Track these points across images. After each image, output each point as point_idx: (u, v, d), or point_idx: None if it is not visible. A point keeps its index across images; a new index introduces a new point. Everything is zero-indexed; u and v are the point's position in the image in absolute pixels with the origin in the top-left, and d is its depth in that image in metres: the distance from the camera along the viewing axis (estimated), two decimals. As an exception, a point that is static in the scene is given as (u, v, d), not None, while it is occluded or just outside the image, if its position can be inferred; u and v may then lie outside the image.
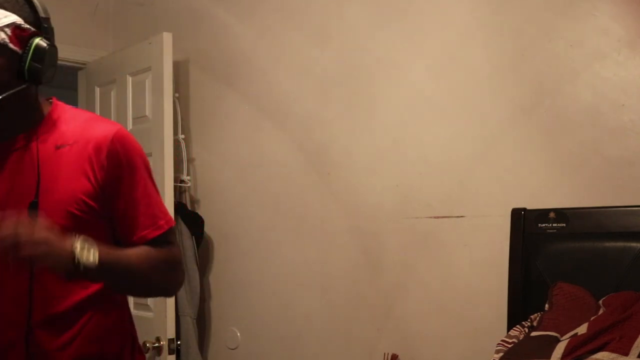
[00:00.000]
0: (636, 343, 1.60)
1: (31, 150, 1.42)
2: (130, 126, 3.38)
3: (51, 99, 1.53)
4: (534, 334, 1.84)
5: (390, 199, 2.66)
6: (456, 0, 2.51)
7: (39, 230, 1.21)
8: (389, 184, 2.66)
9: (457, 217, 2.47)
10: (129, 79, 3.39)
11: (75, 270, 1.26)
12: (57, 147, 1.42)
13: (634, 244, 1.99)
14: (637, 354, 1.58)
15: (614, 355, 1.59)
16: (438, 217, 2.51)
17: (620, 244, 2.03)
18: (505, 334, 1.98)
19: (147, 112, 3.26)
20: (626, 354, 1.58)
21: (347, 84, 2.80)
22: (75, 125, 1.46)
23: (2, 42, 1.34)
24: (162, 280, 1.50)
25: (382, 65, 2.69)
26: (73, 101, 4.02)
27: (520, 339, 1.88)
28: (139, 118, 3.31)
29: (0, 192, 1.41)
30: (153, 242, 1.48)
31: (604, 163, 2.16)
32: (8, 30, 1.35)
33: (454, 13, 2.50)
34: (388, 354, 2.52)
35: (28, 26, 1.38)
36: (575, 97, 2.22)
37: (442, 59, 2.53)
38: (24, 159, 1.41)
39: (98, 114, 3.62)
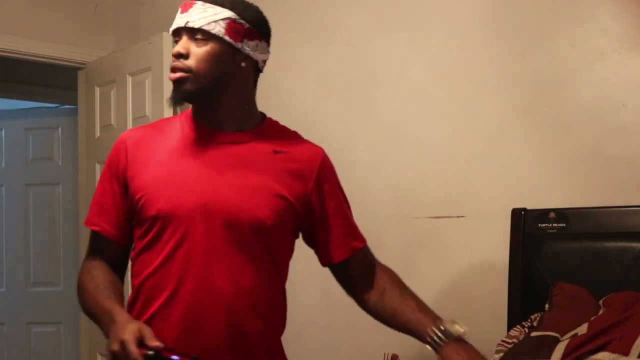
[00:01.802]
0: (636, 343, 1.60)
1: (252, 147, 1.54)
2: (130, 126, 3.38)
3: (263, 113, 1.67)
4: (534, 334, 1.84)
5: (390, 199, 2.65)
6: (456, 0, 2.51)
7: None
8: (389, 184, 2.65)
9: (457, 217, 2.46)
10: (129, 79, 3.39)
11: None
12: (275, 152, 1.56)
13: (634, 244, 1.99)
14: (637, 354, 1.58)
15: (614, 355, 1.59)
16: (438, 217, 2.51)
17: (620, 244, 2.03)
18: (505, 334, 1.98)
19: (147, 112, 3.25)
20: (626, 354, 1.58)
21: (347, 84, 2.79)
22: (288, 137, 1.62)
23: (217, 33, 1.46)
24: None
25: (382, 65, 2.69)
26: (73, 101, 4.03)
27: (520, 339, 1.88)
28: (139, 118, 3.31)
29: (220, 176, 1.50)
30: (361, 251, 1.64)
31: (604, 163, 2.16)
32: (223, 24, 1.46)
33: (454, 13, 2.50)
34: (388, 354, 2.52)
35: (243, 22, 1.49)
36: (576, 97, 2.22)
37: (442, 59, 2.53)
38: (244, 153, 1.53)
39: (98, 114, 3.62)
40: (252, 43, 1.52)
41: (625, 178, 2.12)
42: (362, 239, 1.65)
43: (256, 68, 1.58)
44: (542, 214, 2.16)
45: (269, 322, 1.54)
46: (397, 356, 2.50)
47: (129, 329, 1.32)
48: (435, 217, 2.52)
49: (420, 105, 2.58)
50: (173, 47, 1.54)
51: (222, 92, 1.51)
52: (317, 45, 2.89)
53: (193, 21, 1.47)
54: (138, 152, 1.55)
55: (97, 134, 3.65)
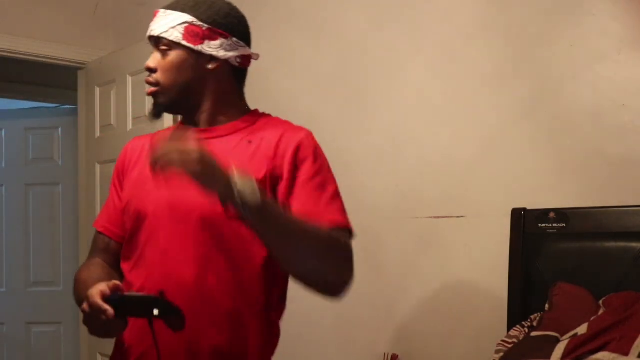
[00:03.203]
0: (636, 343, 1.60)
1: (226, 140, 1.54)
2: (130, 126, 3.38)
3: (255, 110, 1.66)
4: (534, 334, 1.84)
5: (390, 199, 2.65)
6: (457, 0, 2.51)
7: (201, 152, 1.27)
8: (389, 184, 2.65)
9: (457, 217, 2.46)
10: (129, 79, 3.39)
11: (233, 199, 1.28)
12: (249, 142, 1.55)
13: (634, 244, 1.99)
14: (637, 354, 1.58)
15: (614, 355, 1.59)
16: (438, 217, 2.51)
17: (620, 244, 2.03)
18: (505, 334, 1.98)
19: (147, 112, 3.25)
20: (626, 354, 1.58)
21: (347, 84, 2.80)
22: (269, 126, 1.59)
23: (175, 39, 1.49)
24: (324, 258, 1.41)
25: (382, 65, 2.69)
26: (73, 101, 4.03)
27: (520, 339, 1.88)
28: (139, 118, 3.31)
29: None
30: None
31: (604, 163, 2.16)
32: (181, 29, 1.49)
33: (454, 13, 2.50)
34: (388, 354, 2.52)
35: (201, 23, 1.50)
36: (576, 97, 2.22)
37: (442, 59, 2.53)
38: (216, 146, 1.48)
39: (98, 114, 3.62)
40: (214, 43, 1.51)
41: (625, 178, 2.12)
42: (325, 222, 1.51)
43: (232, 66, 1.56)
44: (542, 214, 2.16)
45: (245, 313, 1.51)
46: (397, 356, 2.50)
47: (96, 286, 1.36)
48: (435, 217, 2.52)
49: (420, 105, 2.58)
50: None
51: (195, 97, 1.55)
52: (316, 45, 2.90)
53: (154, 30, 1.52)
54: (133, 157, 1.63)
55: (97, 134, 3.65)
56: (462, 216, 2.46)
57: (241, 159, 1.48)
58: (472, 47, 2.45)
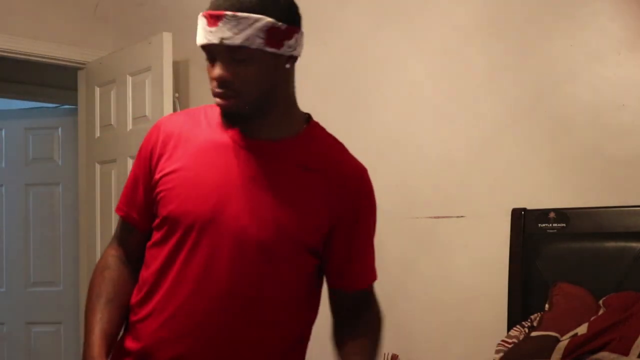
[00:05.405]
0: (636, 343, 1.60)
1: (284, 159, 1.41)
2: (130, 126, 3.38)
3: (308, 114, 1.52)
4: (534, 334, 1.84)
5: (390, 199, 2.65)
6: (456, 0, 2.51)
7: None
8: (389, 184, 2.65)
9: (457, 217, 2.46)
10: (129, 79, 3.39)
11: None
12: (305, 169, 1.42)
13: (634, 244, 1.99)
14: (637, 354, 1.58)
15: (614, 355, 1.60)
16: (438, 217, 2.51)
17: (620, 244, 2.03)
18: (505, 334, 1.99)
19: (147, 112, 3.25)
20: (626, 354, 1.59)
21: (347, 84, 2.80)
22: (328, 150, 1.47)
23: (259, 47, 1.31)
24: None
25: (382, 65, 2.69)
26: (73, 101, 4.03)
27: (520, 339, 1.88)
28: (139, 118, 3.31)
29: (245, 186, 1.39)
30: (360, 292, 1.50)
31: (604, 163, 2.16)
32: (262, 34, 1.31)
33: (454, 13, 2.51)
34: (388, 354, 2.52)
35: (280, 23, 1.33)
36: (575, 97, 2.22)
37: (442, 59, 2.53)
38: (273, 166, 1.41)
39: (98, 114, 3.62)
40: (291, 42, 1.36)
41: (625, 178, 2.12)
42: (365, 282, 1.50)
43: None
44: (542, 214, 2.16)
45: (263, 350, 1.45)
46: (397, 356, 2.50)
47: None
48: (435, 217, 2.52)
49: (420, 105, 2.58)
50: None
51: (270, 102, 1.38)
52: (317, 45, 2.89)
53: (229, 38, 1.29)
54: (169, 142, 1.43)
55: (97, 134, 3.65)
56: (462, 216, 2.46)
57: (294, 189, 1.40)
58: (472, 47, 2.45)
